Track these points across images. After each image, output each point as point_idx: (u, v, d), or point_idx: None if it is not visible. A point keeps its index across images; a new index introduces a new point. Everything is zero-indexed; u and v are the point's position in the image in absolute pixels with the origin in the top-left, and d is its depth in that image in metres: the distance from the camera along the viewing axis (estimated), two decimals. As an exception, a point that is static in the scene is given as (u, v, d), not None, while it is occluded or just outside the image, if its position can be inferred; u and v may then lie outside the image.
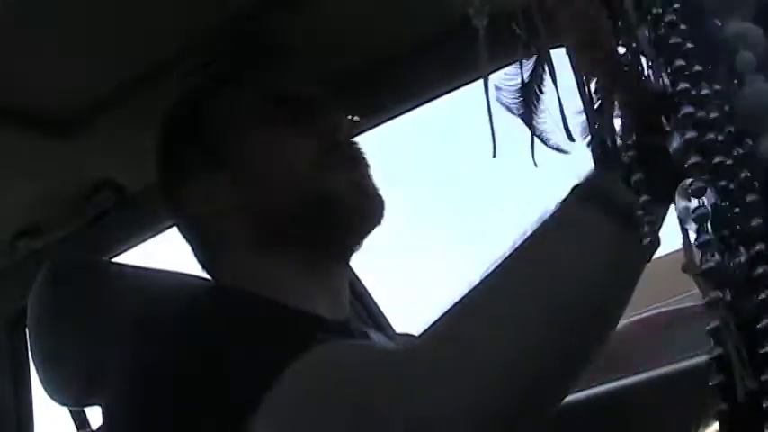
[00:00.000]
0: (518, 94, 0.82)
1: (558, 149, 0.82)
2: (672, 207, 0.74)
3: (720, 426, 0.75)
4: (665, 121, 0.72)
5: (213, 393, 0.85)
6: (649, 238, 0.72)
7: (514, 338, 0.76)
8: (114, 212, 1.59)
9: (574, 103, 0.78)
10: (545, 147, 0.82)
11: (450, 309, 0.81)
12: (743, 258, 0.63)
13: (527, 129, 0.83)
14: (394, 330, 1.83)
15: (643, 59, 0.72)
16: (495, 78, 0.82)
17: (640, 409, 1.58)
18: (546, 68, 0.80)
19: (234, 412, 0.82)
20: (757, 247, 0.62)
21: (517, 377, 0.76)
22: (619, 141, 0.75)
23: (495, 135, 0.79)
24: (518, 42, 0.78)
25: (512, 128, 0.82)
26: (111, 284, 1.38)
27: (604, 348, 0.81)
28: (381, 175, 1.14)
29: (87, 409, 1.66)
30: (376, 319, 1.80)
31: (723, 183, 0.64)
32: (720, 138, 0.64)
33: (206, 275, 1.16)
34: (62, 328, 1.38)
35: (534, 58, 0.81)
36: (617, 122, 0.76)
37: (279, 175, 1.10)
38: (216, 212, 1.11)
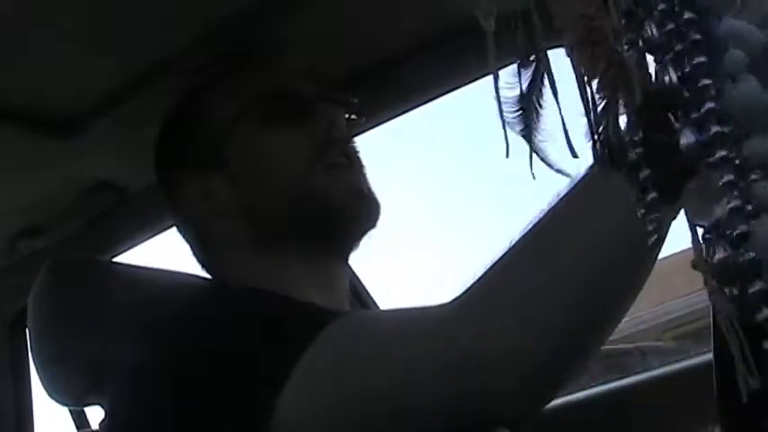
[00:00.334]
0: (517, 107, 0.82)
1: (558, 171, 0.82)
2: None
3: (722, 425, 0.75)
4: (671, 117, 0.71)
5: (235, 389, 0.86)
6: (655, 236, 0.72)
7: (556, 288, 0.79)
8: (114, 212, 1.59)
9: (575, 110, 0.78)
10: (544, 164, 0.83)
11: (489, 267, 0.83)
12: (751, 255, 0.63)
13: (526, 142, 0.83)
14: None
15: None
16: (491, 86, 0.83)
17: (640, 409, 1.58)
18: (545, 74, 0.80)
19: (258, 402, 0.83)
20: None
21: (561, 321, 0.79)
22: (624, 140, 0.75)
23: (507, 134, 0.79)
24: (517, 44, 0.78)
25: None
26: (111, 284, 1.38)
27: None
28: (381, 172, 1.14)
29: (87, 409, 1.66)
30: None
31: (732, 177, 0.64)
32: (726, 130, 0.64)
33: (205, 274, 1.16)
34: (62, 327, 1.38)
35: (533, 66, 0.81)
36: (621, 121, 0.76)
37: (275, 175, 1.10)
38: (214, 212, 1.12)
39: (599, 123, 0.76)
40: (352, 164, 1.13)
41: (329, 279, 1.12)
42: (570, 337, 0.80)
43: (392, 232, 1.17)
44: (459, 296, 0.83)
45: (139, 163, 1.29)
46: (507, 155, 0.80)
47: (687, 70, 0.66)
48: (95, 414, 1.58)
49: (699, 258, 0.67)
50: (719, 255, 0.64)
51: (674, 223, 0.80)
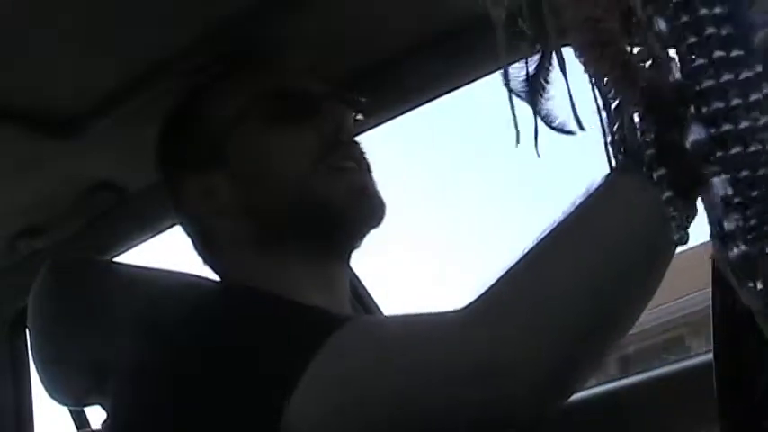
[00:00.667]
0: (524, 84, 0.82)
1: (562, 131, 0.81)
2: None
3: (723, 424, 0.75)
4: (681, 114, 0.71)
5: (242, 391, 0.86)
6: (679, 235, 0.72)
7: (570, 295, 0.79)
8: (114, 212, 1.59)
9: (586, 97, 0.78)
10: (549, 128, 0.82)
11: (503, 273, 0.82)
12: None
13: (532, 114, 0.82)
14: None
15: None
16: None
17: (640, 409, 1.58)
18: (552, 62, 0.79)
19: (266, 405, 0.83)
20: None
21: (574, 328, 0.78)
22: (638, 140, 0.75)
23: (518, 124, 0.79)
24: (525, 39, 0.78)
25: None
26: (111, 284, 1.38)
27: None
28: (384, 172, 1.14)
29: (87, 409, 1.66)
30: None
31: (746, 173, 0.64)
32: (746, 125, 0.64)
33: (205, 274, 1.17)
34: (62, 327, 1.38)
35: (540, 55, 0.80)
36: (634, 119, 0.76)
37: (274, 174, 1.10)
38: (215, 210, 1.12)
39: (612, 123, 0.76)
40: (359, 167, 1.13)
41: (330, 280, 1.12)
42: (583, 344, 0.79)
43: (392, 233, 1.17)
44: (473, 302, 0.82)
45: (139, 163, 1.29)
46: (518, 142, 0.80)
47: (695, 66, 0.66)
48: (95, 414, 1.58)
49: (719, 253, 0.67)
50: (738, 249, 0.64)
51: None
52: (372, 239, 1.14)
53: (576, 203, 0.83)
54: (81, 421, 1.69)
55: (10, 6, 1.10)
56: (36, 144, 1.38)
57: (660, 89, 0.71)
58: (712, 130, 0.66)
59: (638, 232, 0.80)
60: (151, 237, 1.65)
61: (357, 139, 1.16)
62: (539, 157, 0.82)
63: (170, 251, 1.73)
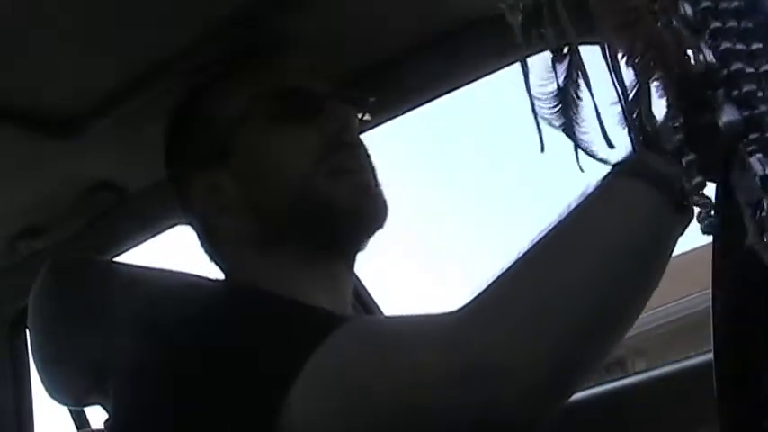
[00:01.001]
0: (555, 102, 0.82)
1: (603, 161, 0.82)
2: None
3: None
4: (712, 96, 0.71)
5: (241, 390, 0.86)
6: (708, 221, 0.72)
7: (565, 298, 0.79)
8: (114, 212, 1.59)
9: (609, 100, 0.78)
10: (590, 158, 0.82)
11: (499, 275, 0.82)
12: None
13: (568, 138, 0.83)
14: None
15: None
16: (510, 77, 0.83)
17: (640, 409, 1.58)
18: (578, 67, 0.79)
19: (264, 404, 0.83)
20: None
21: (569, 331, 0.78)
22: (665, 126, 0.75)
23: (541, 130, 0.79)
24: (543, 38, 0.78)
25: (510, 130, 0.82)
26: (111, 284, 1.38)
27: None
28: (387, 172, 1.14)
29: (87, 409, 1.66)
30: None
31: None
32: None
33: (206, 273, 1.17)
34: (62, 327, 1.38)
35: (567, 62, 0.80)
36: (657, 107, 0.76)
37: (275, 174, 1.10)
38: (220, 206, 1.12)
39: (633, 111, 0.76)
40: (362, 168, 1.13)
41: (332, 280, 1.12)
42: (579, 347, 0.79)
43: (392, 233, 1.17)
44: (468, 303, 0.82)
45: (139, 163, 1.30)
46: (542, 149, 0.80)
47: (725, 47, 0.66)
48: (95, 414, 1.58)
49: (755, 236, 0.67)
50: None
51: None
52: (374, 240, 1.14)
53: (572, 206, 0.83)
54: (81, 421, 1.69)
55: (10, 6, 1.10)
56: (36, 144, 1.38)
57: (690, 72, 0.70)
58: (746, 113, 0.66)
59: (635, 235, 0.80)
60: (151, 237, 1.65)
61: (361, 140, 1.16)
62: (542, 151, 0.82)
63: (170, 251, 1.74)
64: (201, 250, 1.17)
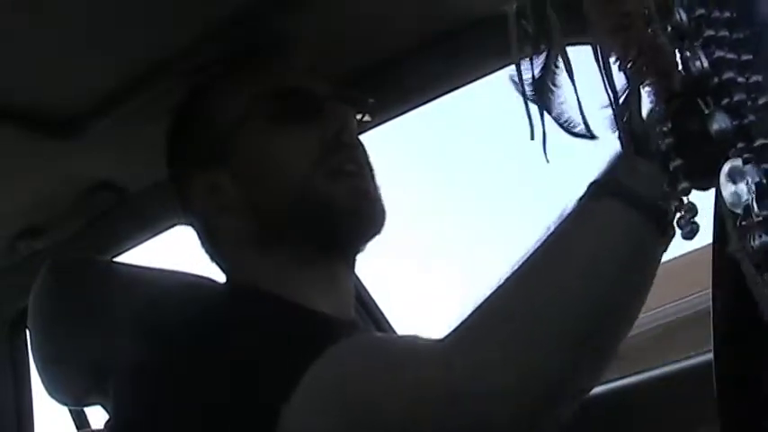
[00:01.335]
0: (533, 87, 0.82)
1: (584, 136, 0.81)
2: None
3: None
4: (702, 103, 0.71)
5: (243, 391, 0.86)
6: (690, 228, 0.72)
7: (549, 321, 0.79)
8: (114, 212, 1.59)
9: (596, 99, 0.78)
10: (571, 136, 0.82)
11: (479, 304, 0.82)
12: None
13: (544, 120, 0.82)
14: (395, 332, 1.83)
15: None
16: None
17: (640, 409, 1.58)
18: (559, 64, 0.79)
19: (263, 408, 0.83)
20: None
21: (554, 355, 0.78)
22: (653, 130, 0.75)
23: (532, 120, 0.79)
24: (528, 39, 0.78)
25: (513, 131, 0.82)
26: (111, 284, 1.38)
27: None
28: (387, 171, 1.14)
29: (87, 409, 1.66)
30: (377, 321, 1.80)
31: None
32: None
33: (206, 273, 1.17)
34: (62, 327, 1.38)
35: (545, 56, 0.80)
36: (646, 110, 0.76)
37: (274, 174, 1.10)
38: (220, 206, 1.12)
39: (623, 114, 0.76)
40: (361, 170, 1.13)
41: (332, 282, 1.12)
42: (567, 365, 0.79)
43: (393, 232, 1.17)
44: (453, 330, 0.83)
45: (139, 163, 1.30)
46: (532, 137, 0.80)
47: (718, 56, 0.66)
48: (95, 414, 1.58)
49: (736, 245, 0.67)
50: (759, 240, 0.64)
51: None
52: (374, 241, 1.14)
53: (551, 229, 0.83)
54: (81, 421, 1.69)
55: (10, 6, 1.10)
56: (36, 144, 1.38)
57: (682, 78, 0.71)
58: (735, 122, 0.66)
59: (614, 254, 0.80)
60: (151, 237, 1.65)
61: (361, 142, 1.16)
62: (547, 162, 0.82)
63: (170, 251, 1.74)
64: (202, 250, 1.17)
